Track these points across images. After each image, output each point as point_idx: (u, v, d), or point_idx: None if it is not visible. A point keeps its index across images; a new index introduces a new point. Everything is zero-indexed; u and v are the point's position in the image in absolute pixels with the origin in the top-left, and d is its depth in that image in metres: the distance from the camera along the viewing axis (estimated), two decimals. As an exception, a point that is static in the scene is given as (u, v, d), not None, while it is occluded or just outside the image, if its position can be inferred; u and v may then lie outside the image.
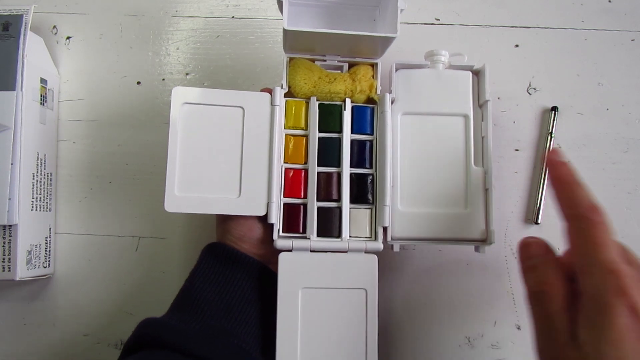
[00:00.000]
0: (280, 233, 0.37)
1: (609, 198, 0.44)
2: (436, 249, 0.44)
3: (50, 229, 0.44)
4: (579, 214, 0.29)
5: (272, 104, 0.37)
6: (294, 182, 0.38)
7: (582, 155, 0.44)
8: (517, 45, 0.46)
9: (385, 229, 0.37)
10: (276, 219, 0.36)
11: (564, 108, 0.45)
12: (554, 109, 0.44)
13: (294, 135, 0.38)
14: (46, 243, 0.44)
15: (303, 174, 0.38)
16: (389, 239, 0.37)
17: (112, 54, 0.47)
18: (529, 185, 0.44)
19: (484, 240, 0.38)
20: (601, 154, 0.44)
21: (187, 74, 0.47)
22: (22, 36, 0.41)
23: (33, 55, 0.42)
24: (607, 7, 0.46)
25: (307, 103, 0.39)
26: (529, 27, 0.46)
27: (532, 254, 0.31)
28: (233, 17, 0.47)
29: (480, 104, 0.40)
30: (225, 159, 0.37)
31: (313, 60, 0.39)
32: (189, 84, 0.46)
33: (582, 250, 0.28)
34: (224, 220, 0.38)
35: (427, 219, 0.38)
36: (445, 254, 0.44)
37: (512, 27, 0.46)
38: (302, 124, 0.39)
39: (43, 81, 0.44)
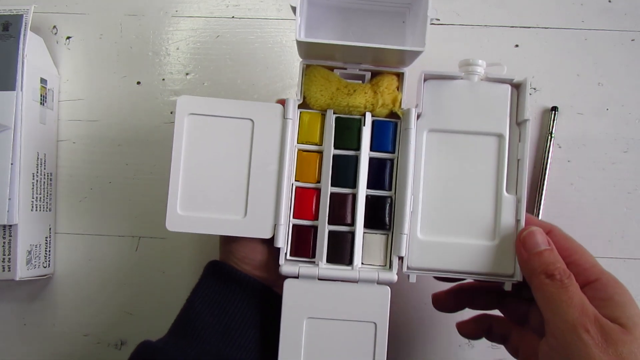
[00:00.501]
0: (288, 257, 0.35)
1: (609, 198, 0.44)
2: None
3: (50, 229, 0.44)
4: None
5: (285, 117, 0.34)
6: (304, 202, 0.35)
7: (582, 155, 0.44)
8: (517, 45, 0.46)
9: (400, 258, 0.34)
10: (283, 243, 0.34)
11: (564, 108, 0.45)
12: (554, 109, 0.44)
13: (306, 151, 0.35)
14: (46, 243, 0.44)
15: (315, 193, 0.35)
16: (404, 268, 0.34)
17: (112, 54, 0.47)
18: (529, 186, 0.44)
19: (510, 276, 0.34)
20: (601, 154, 0.44)
21: (187, 74, 0.47)
22: (22, 36, 0.41)
23: (33, 55, 0.42)
24: (607, 7, 0.46)
25: (323, 116, 0.35)
26: (529, 27, 0.46)
27: (539, 242, 0.32)
28: (233, 17, 0.47)
29: (518, 122, 0.35)
30: (231, 175, 0.34)
31: (332, 69, 0.35)
32: (189, 84, 0.46)
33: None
34: (227, 242, 0.36)
35: (449, 249, 0.34)
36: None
37: (512, 27, 0.46)
38: (317, 139, 0.35)
39: (43, 81, 0.44)
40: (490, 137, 0.35)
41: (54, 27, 0.47)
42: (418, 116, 0.35)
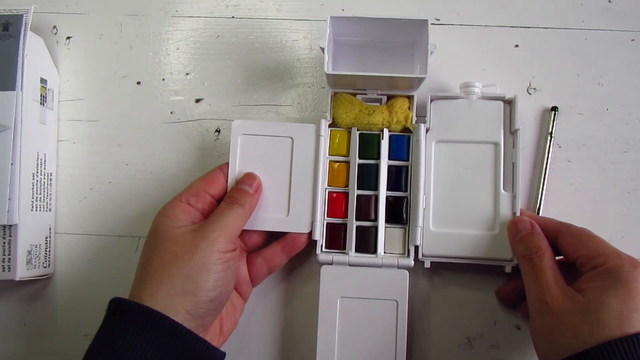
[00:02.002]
0: (323, 249, 0.41)
1: (609, 198, 0.44)
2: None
3: (50, 229, 0.44)
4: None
5: (318, 134, 0.41)
6: (335, 204, 0.42)
7: (582, 155, 0.44)
8: (517, 45, 0.46)
9: (416, 247, 0.41)
10: (319, 236, 0.41)
11: (564, 108, 0.45)
12: (554, 109, 0.44)
13: (336, 162, 0.42)
14: (46, 243, 0.44)
15: (344, 196, 0.42)
16: (420, 256, 0.41)
17: (112, 54, 0.47)
18: (529, 185, 0.44)
19: (509, 260, 0.40)
20: (601, 154, 0.44)
21: (187, 74, 0.47)
22: (22, 36, 0.41)
23: (33, 55, 0.42)
24: (607, 7, 0.46)
25: (349, 132, 0.43)
26: (529, 27, 0.46)
27: (520, 229, 0.38)
28: (233, 17, 0.47)
29: (511, 131, 0.42)
30: (276, 182, 0.41)
31: (354, 94, 0.42)
32: (189, 84, 0.46)
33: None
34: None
35: (457, 239, 0.41)
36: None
37: (512, 27, 0.46)
38: (344, 151, 0.42)
39: (43, 81, 0.44)
40: (488, 145, 0.42)
41: (54, 27, 0.47)
42: (427, 130, 0.42)
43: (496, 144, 0.42)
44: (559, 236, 0.37)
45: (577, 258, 0.36)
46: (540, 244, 0.37)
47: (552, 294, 0.34)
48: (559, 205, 0.44)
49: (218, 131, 0.46)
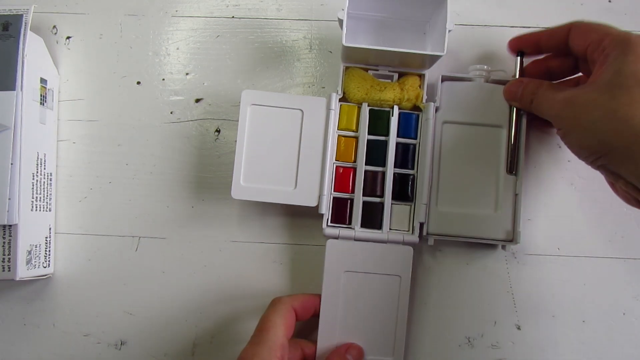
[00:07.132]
0: (329, 223, 0.42)
1: (609, 198, 0.44)
2: (436, 249, 0.44)
3: (50, 229, 0.44)
4: None
5: (328, 108, 0.42)
6: (343, 179, 0.42)
7: (582, 155, 0.44)
8: (517, 45, 0.46)
9: (421, 225, 0.41)
10: (326, 210, 0.41)
11: (564, 108, 0.45)
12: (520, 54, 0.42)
13: (345, 136, 0.43)
14: (46, 243, 0.44)
15: (352, 171, 0.42)
16: (424, 233, 0.41)
17: (112, 54, 0.47)
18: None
19: (510, 240, 0.41)
20: (601, 154, 0.44)
21: (187, 74, 0.47)
22: (22, 36, 0.41)
23: (33, 55, 0.42)
24: (607, 7, 0.46)
25: (359, 108, 0.43)
26: (529, 27, 0.46)
27: (512, 89, 0.40)
28: (233, 17, 0.47)
29: (516, 115, 0.42)
30: (284, 154, 0.41)
31: (366, 70, 0.43)
32: (189, 84, 0.46)
33: None
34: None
35: (460, 218, 0.41)
36: (445, 253, 0.44)
37: (512, 27, 0.46)
38: (354, 127, 0.43)
39: (43, 81, 0.44)
40: (493, 128, 0.42)
41: (54, 27, 0.47)
42: (436, 109, 0.42)
43: (501, 127, 0.42)
44: (570, 33, 0.37)
45: (588, 47, 0.35)
46: (531, 85, 0.38)
47: (570, 96, 0.34)
48: (559, 205, 0.44)
49: (218, 131, 0.46)
